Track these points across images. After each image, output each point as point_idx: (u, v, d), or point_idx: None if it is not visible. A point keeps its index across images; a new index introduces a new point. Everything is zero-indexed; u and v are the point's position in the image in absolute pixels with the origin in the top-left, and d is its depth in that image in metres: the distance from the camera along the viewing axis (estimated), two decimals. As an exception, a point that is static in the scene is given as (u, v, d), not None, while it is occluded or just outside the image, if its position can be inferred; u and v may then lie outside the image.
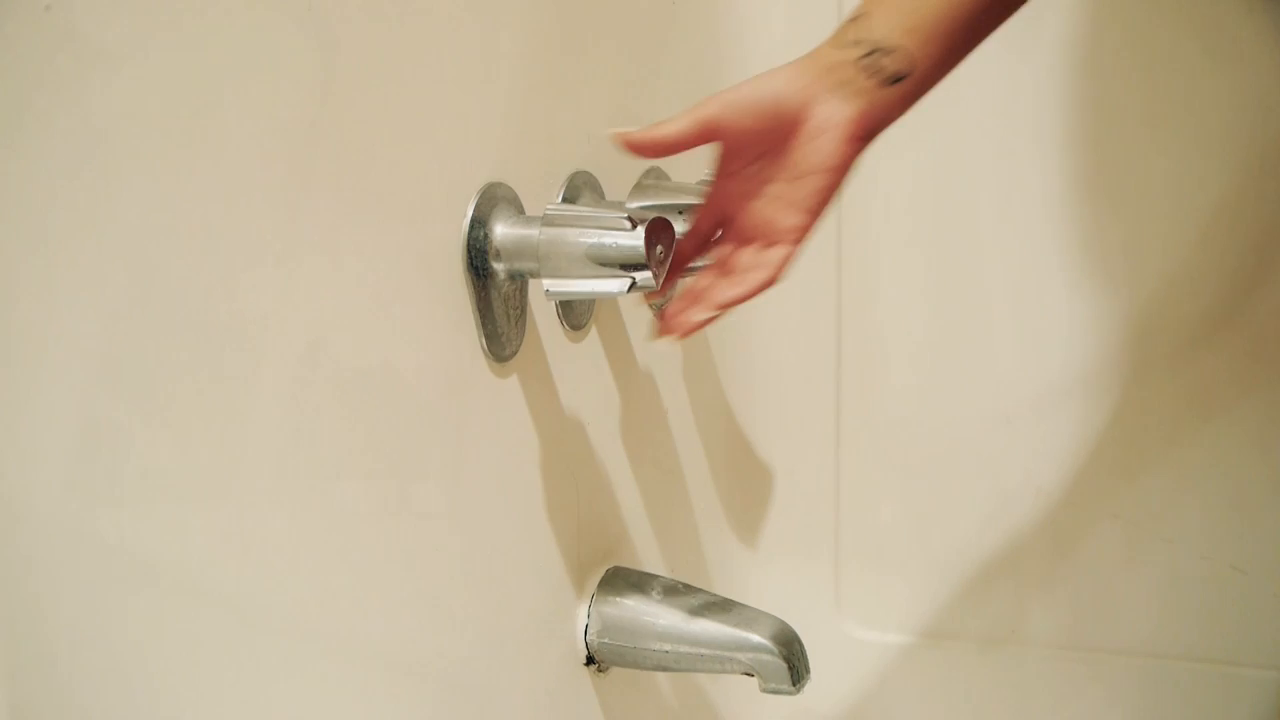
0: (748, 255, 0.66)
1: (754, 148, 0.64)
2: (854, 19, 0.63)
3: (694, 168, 0.79)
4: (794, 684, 0.80)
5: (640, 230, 0.66)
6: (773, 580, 1.21)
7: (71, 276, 0.42)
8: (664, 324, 0.67)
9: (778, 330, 1.18)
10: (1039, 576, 1.16)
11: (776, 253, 0.65)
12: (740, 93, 0.63)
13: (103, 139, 0.43)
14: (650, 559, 0.97)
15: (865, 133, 0.63)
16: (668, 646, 0.82)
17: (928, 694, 1.21)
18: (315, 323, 0.56)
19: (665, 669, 0.84)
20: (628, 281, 0.67)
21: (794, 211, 0.64)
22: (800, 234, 0.65)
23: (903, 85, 0.62)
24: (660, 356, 1.00)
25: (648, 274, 0.67)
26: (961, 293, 1.13)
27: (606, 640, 0.84)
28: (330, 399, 0.57)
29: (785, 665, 0.80)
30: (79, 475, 0.43)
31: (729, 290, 0.65)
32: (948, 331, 1.14)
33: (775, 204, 0.65)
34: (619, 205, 0.83)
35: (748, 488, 1.22)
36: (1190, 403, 1.08)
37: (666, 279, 0.70)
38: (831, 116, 0.62)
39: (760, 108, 0.62)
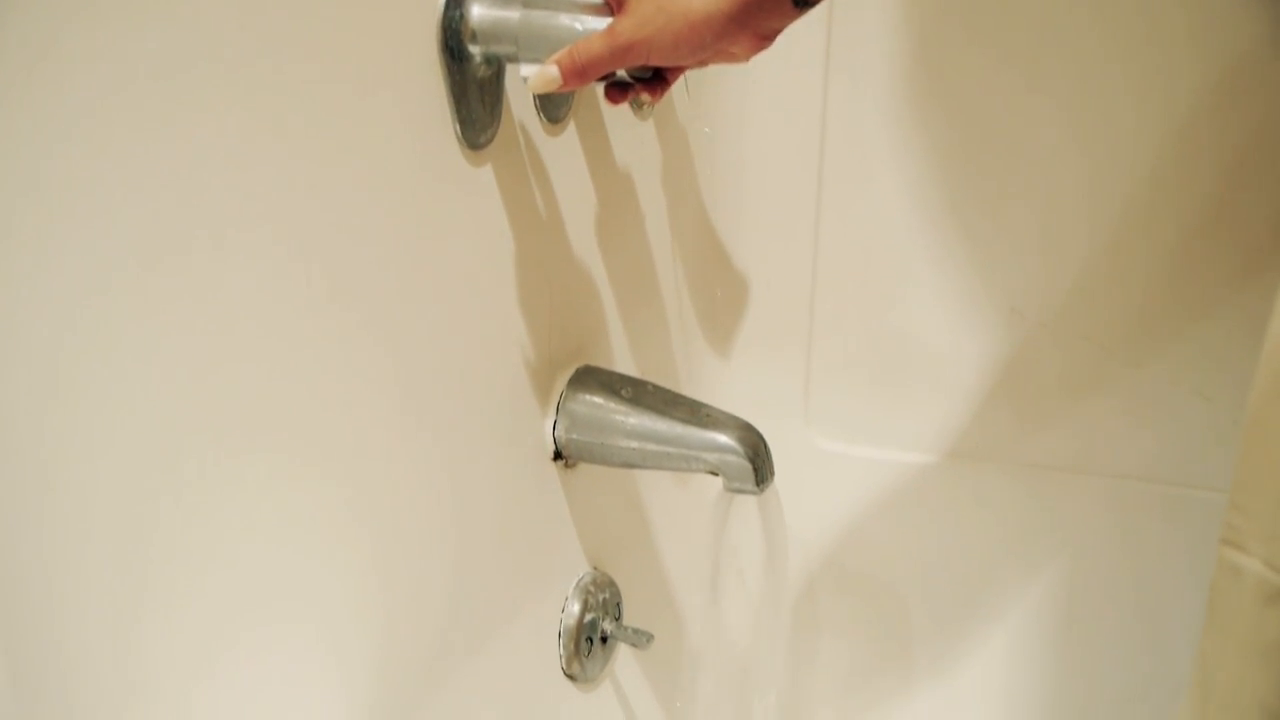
0: None
1: None
2: None
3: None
4: (758, 484, 0.82)
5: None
6: (743, 390, 1.22)
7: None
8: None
9: (760, 137, 1.16)
10: (1007, 395, 1.18)
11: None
12: (675, 31, 0.63)
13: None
14: (621, 360, 0.98)
15: (769, 44, 0.66)
16: (635, 444, 0.83)
17: (892, 507, 1.24)
18: (280, 100, 0.54)
19: (631, 466, 0.85)
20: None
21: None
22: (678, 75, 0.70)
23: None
24: (641, 158, 0.98)
25: None
26: (947, 111, 1.10)
27: (575, 436, 0.85)
28: (295, 182, 0.56)
29: (750, 466, 0.81)
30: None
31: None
32: (932, 150, 1.12)
33: None
34: None
35: (722, 295, 1.22)
36: (1167, 234, 1.08)
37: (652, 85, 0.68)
38: (750, 44, 0.65)
39: (694, 50, 0.64)
